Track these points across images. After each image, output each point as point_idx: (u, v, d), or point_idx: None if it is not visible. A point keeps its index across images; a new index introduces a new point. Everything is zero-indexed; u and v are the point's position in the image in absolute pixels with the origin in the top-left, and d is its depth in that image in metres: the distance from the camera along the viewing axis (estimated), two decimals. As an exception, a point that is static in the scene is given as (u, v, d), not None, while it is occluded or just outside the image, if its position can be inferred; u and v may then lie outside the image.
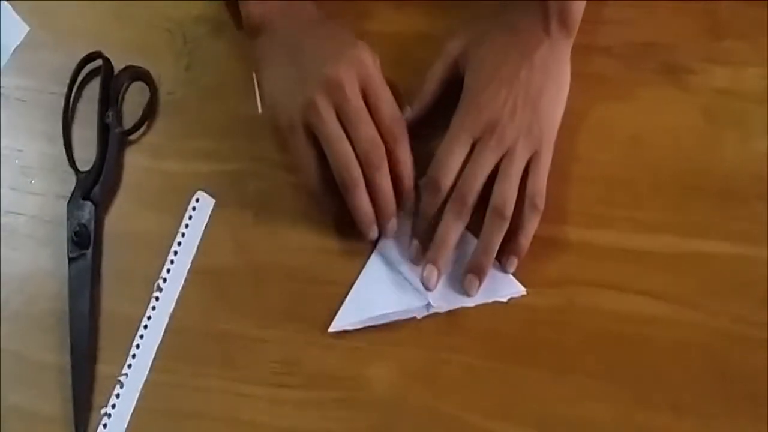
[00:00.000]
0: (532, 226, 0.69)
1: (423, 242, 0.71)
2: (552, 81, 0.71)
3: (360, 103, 0.70)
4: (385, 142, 0.70)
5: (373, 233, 0.71)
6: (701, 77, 0.74)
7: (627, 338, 0.66)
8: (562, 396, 0.65)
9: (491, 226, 0.68)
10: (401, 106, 0.73)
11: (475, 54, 0.72)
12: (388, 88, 0.72)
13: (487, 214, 0.68)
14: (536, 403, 0.65)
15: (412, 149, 0.72)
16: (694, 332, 0.65)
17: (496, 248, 0.68)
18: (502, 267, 0.70)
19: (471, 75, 0.71)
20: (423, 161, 0.72)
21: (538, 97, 0.70)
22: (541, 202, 0.69)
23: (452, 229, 0.69)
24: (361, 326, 0.69)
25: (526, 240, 0.69)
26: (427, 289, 0.69)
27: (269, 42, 0.76)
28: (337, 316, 0.70)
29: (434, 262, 0.69)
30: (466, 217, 0.69)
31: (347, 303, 0.71)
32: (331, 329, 0.69)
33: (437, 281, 0.69)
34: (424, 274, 0.69)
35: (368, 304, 0.70)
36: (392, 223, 0.71)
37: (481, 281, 0.69)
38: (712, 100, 0.73)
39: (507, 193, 0.68)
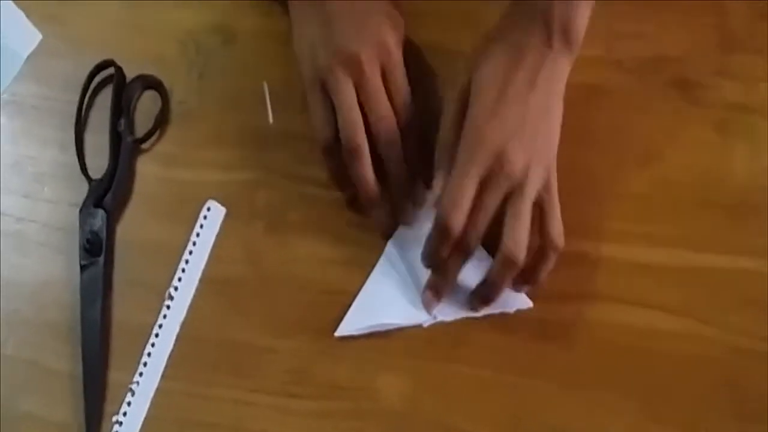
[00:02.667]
0: (550, 264, 0.67)
1: (437, 292, 0.70)
2: (554, 98, 0.69)
3: (378, 83, 0.71)
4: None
5: (378, 212, 0.72)
6: (713, 91, 0.74)
7: (638, 352, 0.66)
8: (572, 410, 0.65)
9: (503, 272, 0.66)
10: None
11: (478, 78, 0.69)
12: (405, 79, 0.73)
13: (498, 256, 0.66)
14: (546, 416, 0.65)
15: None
16: (705, 347, 0.65)
17: (505, 286, 0.67)
18: (514, 289, 0.69)
19: (475, 102, 0.68)
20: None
21: (544, 118, 0.68)
22: (561, 242, 0.67)
23: (458, 266, 0.69)
24: (367, 332, 0.70)
25: (542, 276, 0.67)
26: (427, 312, 0.69)
27: (302, 5, 0.76)
28: (343, 321, 0.70)
29: (435, 291, 0.69)
30: (472, 254, 0.68)
31: (354, 308, 0.71)
32: (337, 334, 0.70)
33: (436, 306, 0.69)
34: (424, 299, 0.69)
35: (375, 311, 0.70)
36: (408, 208, 0.72)
37: (487, 306, 0.69)
38: (723, 114, 0.73)
39: (519, 237, 0.65)
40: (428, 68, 0.79)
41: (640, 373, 0.65)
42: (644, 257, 0.69)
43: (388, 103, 0.71)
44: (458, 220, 0.65)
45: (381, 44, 0.72)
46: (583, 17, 0.69)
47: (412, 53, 0.76)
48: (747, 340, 0.65)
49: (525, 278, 0.68)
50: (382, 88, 0.71)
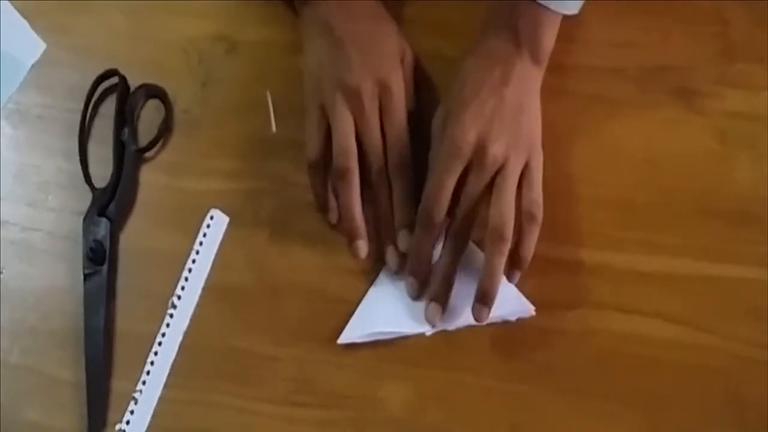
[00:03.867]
0: (532, 238, 0.68)
1: (420, 279, 0.70)
2: (530, 99, 0.71)
3: (375, 122, 0.72)
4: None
5: (357, 247, 0.72)
6: (714, 100, 0.74)
7: (640, 361, 0.66)
8: (575, 419, 0.65)
9: (493, 250, 0.67)
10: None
11: (455, 84, 0.72)
12: (403, 118, 0.74)
13: (488, 237, 0.67)
14: (549, 425, 0.65)
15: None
16: (707, 356, 0.66)
17: (501, 271, 0.67)
18: (507, 277, 0.69)
19: (453, 99, 0.71)
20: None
21: (520, 113, 0.70)
22: (539, 212, 0.68)
23: (454, 263, 0.70)
24: (369, 339, 0.70)
25: (527, 253, 0.68)
26: (431, 325, 0.69)
27: (312, 18, 0.78)
28: (346, 328, 0.70)
29: (438, 300, 0.69)
30: (465, 247, 0.70)
31: (357, 315, 0.71)
32: (340, 341, 0.70)
33: (440, 316, 0.69)
34: (428, 313, 0.69)
35: (378, 319, 0.70)
36: (404, 234, 0.72)
37: (490, 308, 0.68)
38: (724, 123, 0.73)
39: (505, 212, 0.67)
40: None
41: (641, 382, 0.66)
42: (646, 266, 0.69)
43: (380, 143, 0.73)
44: (438, 210, 0.68)
45: (383, 82, 0.73)
46: (549, 31, 0.72)
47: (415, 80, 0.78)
48: (748, 349, 0.66)
49: (512, 261, 0.69)
50: (378, 128, 0.73)
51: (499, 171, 0.68)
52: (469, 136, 0.68)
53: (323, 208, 0.75)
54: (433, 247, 0.71)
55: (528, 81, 0.71)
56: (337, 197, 0.74)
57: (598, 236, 0.70)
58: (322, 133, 0.73)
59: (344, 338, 0.70)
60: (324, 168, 0.74)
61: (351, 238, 0.72)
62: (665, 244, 0.69)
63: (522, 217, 0.68)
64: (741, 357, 0.65)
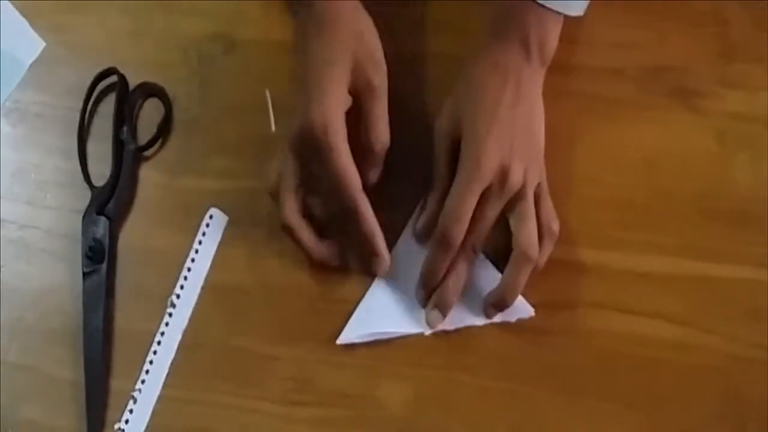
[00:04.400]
0: (548, 251, 0.70)
1: (430, 293, 0.70)
2: (536, 105, 0.72)
3: (312, 168, 0.70)
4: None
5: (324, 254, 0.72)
6: (713, 101, 0.74)
7: (639, 361, 0.66)
8: (573, 419, 0.65)
9: (519, 269, 0.68)
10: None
11: (466, 100, 0.71)
12: (339, 157, 0.69)
13: (514, 256, 0.68)
14: (547, 425, 0.66)
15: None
16: (706, 356, 0.66)
17: (522, 287, 0.68)
18: None
19: (468, 124, 0.69)
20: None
21: (531, 125, 0.70)
22: (557, 226, 0.70)
23: (463, 278, 0.70)
24: (369, 339, 0.70)
25: (542, 263, 0.69)
26: (431, 327, 0.70)
27: (300, 25, 0.76)
28: (345, 328, 0.71)
29: (442, 308, 0.70)
30: (472, 266, 0.70)
31: (356, 315, 0.71)
32: (339, 341, 0.70)
33: (441, 322, 0.70)
34: (429, 318, 0.70)
35: (377, 319, 0.71)
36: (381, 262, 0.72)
37: (503, 310, 0.69)
38: (724, 123, 0.73)
39: (532, 234, 0.68)
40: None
41: (640, 382, 0.66)
42: (645, 266, 0.69)
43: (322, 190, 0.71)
44: (459, 232, 0.68)
45: (308, 128, 0.69)
46: (555, 33, 0.72)
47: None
48: (748, 349, 0.66)
49: None
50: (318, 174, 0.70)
51: (518, 195, 0.68)
52: (493, 162, 0.67)
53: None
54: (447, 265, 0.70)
55: (533, 86, 0.72)
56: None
57: (597, 236, 0.70)
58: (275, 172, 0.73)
59: (343, 338, 0.70)
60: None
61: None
62: (665, 244, 0.70)
63: (542, 230, 0.69)
64: (740, 357, 0.65)
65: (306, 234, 0.72)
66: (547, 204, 0.70)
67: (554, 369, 0.67)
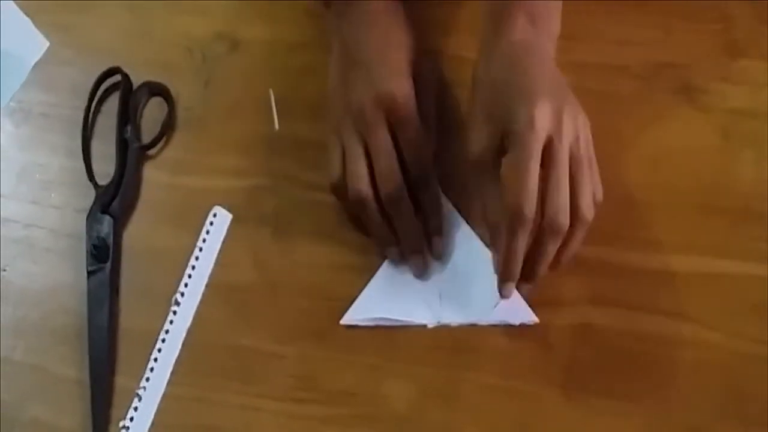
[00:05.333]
0: (579, 238, 0.66)
1: (514, 280, 0.67)
2: (558, 72, 0.70)
3: (381, 138, 0.71)
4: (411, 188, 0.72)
5: (390, 249, 0.72)
6: (718, 97, 0.74)
7: (643, 358, 0.66)
8: (578, 416, 0.65)
9: (549, 239, 0.64)
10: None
11: (487, 83, 0.69)
12: (417, 130, 0.72)
13: (546, 226, 0.63)
14: (553, 423, 0.65)
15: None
16: (711, 353, 0.65)
17: (550, 258, 0.66)
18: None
19: (506, 97, 0.66)
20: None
21: (561, 80, 0.68)
22: (590, 215, 0.65)
23: (550, 255, 0.66)
24: (371, 324, 0.70)
25: (572, 252, 0.67)
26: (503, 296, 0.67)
27: (335, 24, 0.77)
28: (349, 310, 0.71)
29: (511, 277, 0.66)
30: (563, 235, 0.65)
31: (361, 298, 0.71)
32: (342, 321, 0.70)
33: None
34: (503, 291, 0.66)
35: (382, 304, 0.71)
36: (417, 260, 0.72)
37: (533, 282, 0.67)
38: (728, 119, 0.73)
39: (562, 201, 0.63)
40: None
41: (643, 379, 0.65)
42: (648, 262, 0.69)
43: (391, 161, 0.71)
44: (529, 204, 0.62)
45: (385, 95, 0.71)
46: (558, 22, 0.71)
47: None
48: (751, 345, 0.65)
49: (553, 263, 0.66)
50: (388, 144, 0.71)
51: (573, 158, 0.64)
52: (544, 116, 0.63)
53: (354, 226, 0.74)
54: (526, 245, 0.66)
55: (548, 53, 0.71)
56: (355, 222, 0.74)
57: (601, 233, 0.70)
58: (340, 157, 0.72)
59: (347, 319, 0.70)
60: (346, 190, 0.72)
61: (381, 247, 0.72)
62: (668, 240, 0.69)
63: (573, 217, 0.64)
64: (744, 354, 0.65)
65: (375, 211, 0.71)
66: (587, 184, 0.65)
67: (558, 366, 0.67)
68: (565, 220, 0.63)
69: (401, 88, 0.72)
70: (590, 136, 0.67)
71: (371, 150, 0.71)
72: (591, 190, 0.65)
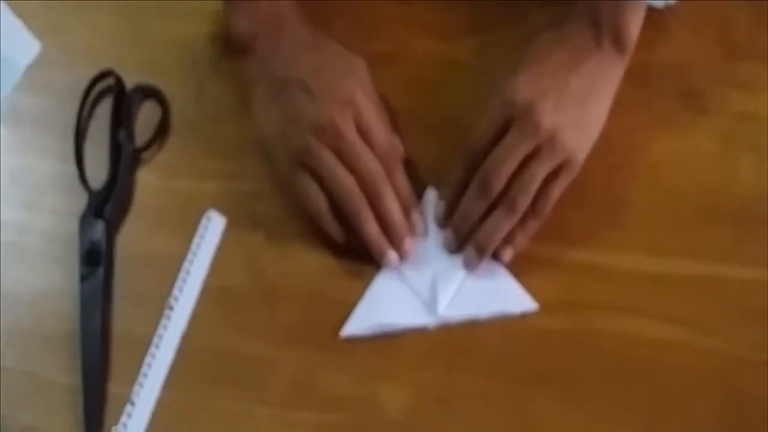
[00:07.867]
0: (533, 228, 0.69)
1: (460, 235, 0.71)
2: (598, 95, 0.70)
3: (355, 139, 0.71)
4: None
5: (388, 258, 0.71)
6: (718, 101, 0.74)
7: (642, 363, 0.66)
8: (576, 421, 0.65)
9: (501, 214, 0.68)
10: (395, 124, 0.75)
11: (520, 59, 0.71)
12: (381, 117, 0.73)
13: (503, 201, 0.68)
14: (550, 428, 0.65)
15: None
16: (709, 357, 0.65)
17: (502, 236, 0.69)
18: (499, 256, 0.70)
19: (516, 71, 0.70)
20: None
21: (583, 104, 0.69)
22: (546, 212, 0.69)
23: (501, 228, 0.69)
24: (372, 333, 0.70)
25: (524, 238, 0.69)
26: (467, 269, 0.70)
27: (258, 69, 0.77)
28: (348, 321, 0.70)
29: (480, 250, 0.70)
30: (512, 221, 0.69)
31: (359, 308, 0.71)
32: (342, 334, 0.70)
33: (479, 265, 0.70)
34: (465, 257, 0.70)
35: (380, 311, 0.70)
36: (407, 243, 0.72)
37: (481, 260, 0.69)
38: (728, 123, 0.73)
39: (529, 187, 0.67)
40: None
41: (643, 384, 0.65)
42: (648, 267, 0.69)
43: (369, 155, 0.71)
44: (498, 179, 0.67)
45: (349, 100, 0.71)
46: (634, 20, 0.70)
47: None
48: (751, 351, 0.65)
49: (508, 237, 0.69)
50: (360, 142, 0.71)
51: (543, 147, 0.67)
52: (521, 96, 0.67)
53: (351, 246, 0.73)
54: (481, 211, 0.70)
55: (606, 70, 0.71)
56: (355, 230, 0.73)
57: (599, 237, 0.70)
58: (317, 187, 0.72)
59: (346, 332, 0.70)
60: (334, 213, 0.72)
61: (379, 255, 0.72)
62: (667, 244, 0.69)
63: (535, 205, 0.68)
64: (743, 359, 0.65)
65: (371, 217, 0.72)
66: (558, 187, 0.68)
67: (556, 371, 0.67)
68: (523, 201, 0.67)
69: (359, 92, 0.72)
70: (579, 164, 0.69)
71: (348, 155, 0.71)
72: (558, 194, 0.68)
